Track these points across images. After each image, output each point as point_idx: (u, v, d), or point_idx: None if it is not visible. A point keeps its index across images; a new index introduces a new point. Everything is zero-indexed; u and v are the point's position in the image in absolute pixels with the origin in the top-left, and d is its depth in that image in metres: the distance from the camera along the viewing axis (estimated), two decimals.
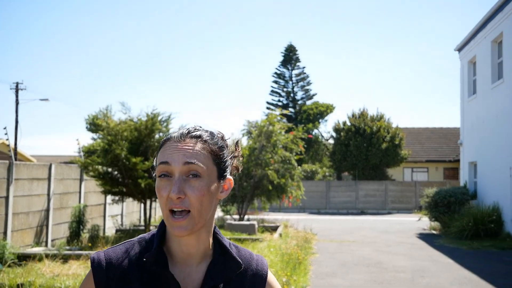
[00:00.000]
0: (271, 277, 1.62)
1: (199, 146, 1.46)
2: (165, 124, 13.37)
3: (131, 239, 1.56)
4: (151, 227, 14.72)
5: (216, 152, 1.49)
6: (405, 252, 13.89)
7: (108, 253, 1.50)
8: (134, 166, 12.09)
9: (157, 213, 20.29)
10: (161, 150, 1.47)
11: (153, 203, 14.40)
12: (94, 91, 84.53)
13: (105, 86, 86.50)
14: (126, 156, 12.06)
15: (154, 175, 1.50)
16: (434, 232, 19.18)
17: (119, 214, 17.13)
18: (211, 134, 1.52)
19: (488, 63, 18.73)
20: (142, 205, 13.72)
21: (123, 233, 14.81)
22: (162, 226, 1.52)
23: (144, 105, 37.76)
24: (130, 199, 14.63)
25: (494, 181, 17.81)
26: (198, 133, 1.49)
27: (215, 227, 1.55)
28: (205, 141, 1.49)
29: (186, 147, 1.44)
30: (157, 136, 13.25)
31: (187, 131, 1.49)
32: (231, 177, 1.54)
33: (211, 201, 1.45)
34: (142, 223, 18.03)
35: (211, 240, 1.54)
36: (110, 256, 1.49)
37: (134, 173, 12.39)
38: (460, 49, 22.44)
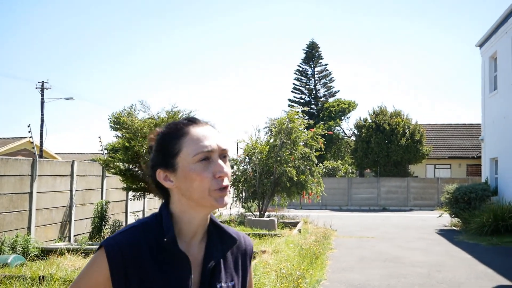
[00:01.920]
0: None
1: (217, 131, 1.68)
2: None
3: (132, 224, 1.66)
4: None
5: (223, 135, 1.69)
6: (424, 248, 13.92)
7: (119, 238, 1.59)
8: None
9: None
10: (190, 138, 1.61)
11: None
12: (117, 90, 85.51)
13: (129, 85, 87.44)
14: (146, 152, 12.29)
15: (157, 163, 1.64)
16: (454, 228, 19.13)
17: (140, 210, 17.41)
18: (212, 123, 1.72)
19: (509, 58, 18.60)
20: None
21: None
22: (165, 210, 1.65)
23: (165, 103, 38.36)
24: (151, 195, 14.86)
25: None
26: (208, 121, 1.70)
27: None
28: (215, 127, 1.70)
29: (214, 132, 1.65)
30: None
31: (200, 119, 1.68)
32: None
33: None
34: None
35: (208, 221, 1.71)
36: (121, 240, 1.58)
37: None
38: (481, 45, 22.30)
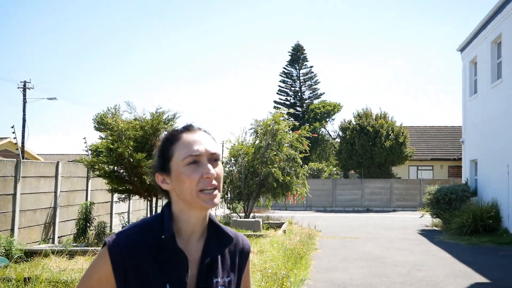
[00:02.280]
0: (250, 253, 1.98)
1: (209, 136, 1.83)
2: (169, 123, 13.68)
3: (135, 223, 1.81)
4: None
5: (215, 141, 1.86)
6: (405, 248, 14.26)
7: (122, 236, 1.74)
8: (139, 163, 12.38)
9: None
10: (181, 143, 1.77)
11: (159, 201, 14.65)
12: (102, 91, 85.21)
13: (113, 86, 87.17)
14: (130, 154, 12.38)
15: (155, 168, 1.82)
16: (435, 228, 19.53)
17: (125, 212, 17.47)
18: (206, 129, 1.88)
19: (488, 63, 19.05)
20: (149, 202, 14.05)
21: None
22: (168, 209, 1.80)
23: (150, 105, 38.39)
24: (137, 197, 14.91)
25: (493, 178, 18.15)
26: (202, 127, 1.86)
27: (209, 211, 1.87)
28: (209, 133, 1.85)
29: (205, 137, 1.81)
30: (162, 134, 13.51)
31: (194, 125, 1.84)
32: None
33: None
34: None
35: (207, 220, 1.84)
36: (123, 237, 1.73)
37: (139, 171, 12.68)
38: (462, 49, 22.75)
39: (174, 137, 1.81)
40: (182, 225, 1.79)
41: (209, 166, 1.73)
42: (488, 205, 17.33)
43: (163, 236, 1.72)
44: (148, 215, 18.51)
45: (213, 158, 1.77)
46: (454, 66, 74.61)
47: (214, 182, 1.73)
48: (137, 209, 18.39)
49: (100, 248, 9.30)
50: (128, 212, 17.67)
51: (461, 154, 24.51)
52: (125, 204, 17.06)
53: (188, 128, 1.83)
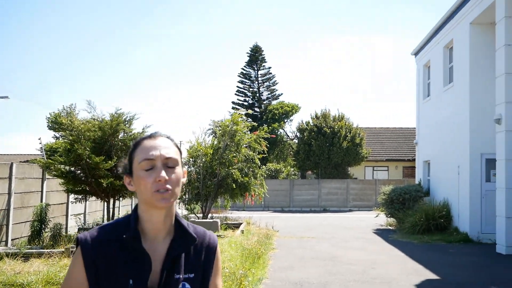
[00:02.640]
0: (218, 249, 2.10)
1: (169, 142, 1.97)
2: (128, 124, 13.65)
3: (109, 222, 1.98)
4: None
5: (178, 147, 2.00)
6: (360, 247, 14.61)
7: (93, 233, 1.90)
8: (97, 165, 12.32)
9: (121, 212, 20.53)
10: (140, 148, 1.93)
11: (117, 202, 14.64)
12: (57, 90, 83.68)
13: (68, 85, 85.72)
14: (89, 156, 12.30)
15: (123, 171, 1.98)
16: (390, 227, 20.03)
17: (81, 213, 17.27)
18: (170, 136, 2.02)
19: (440, 67, 19.66)
20: (105, 204, 13.96)
21: None
22: (135, 210, 1.96)
23: (105, 105, 38.00)
24: (93, 198, 14.75)
25: (444, 178, 18.74)
26: (165, 134, 2.00)
27: (176, 212, 2.01)
28: (171, 139, 2.00)
29: (163, 143, 1.94)
30: (120, 135, 13.48)
31: (157, 133, 1.99)
32: (185, 169, 2.05)
33: (180, 184, 1.93)
34: (106, 221, 18.25)
35: (173, 220, 1.98)
36: (95, 236, 1.89)
37: (97, 172, 12.59)
38: (416, 53, 23.37)
39: (137, 143, 1.97)
40: (146, 225, 1.93)
41: (161, 170, 1.87)
42: (440, 204, 17.91)
43: (124, 236, 1.87)
44: (105, 217, 18.48)
45: (168, 163, 1.90)
46: (409, 69, 76.32)
47: (167, 185, 1.87)
48: (93, 210, 18.21)
49: (56, 250, 9.18)
50: (85, 213, 17.46)
51: (415, 155, 25.15)
52: (82, 205, 16.86)
53: (150, 136, 1.98)
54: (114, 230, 1.93)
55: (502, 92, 13.33)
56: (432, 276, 10.34)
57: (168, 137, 2.00)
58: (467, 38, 16.51)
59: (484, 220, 15.88)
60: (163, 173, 1.87)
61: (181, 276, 1.92)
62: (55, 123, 13.82)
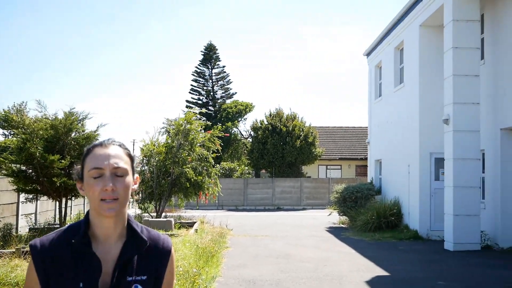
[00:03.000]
0: (173, 253, 2.14)
1: (121, 151, 2.01)
2: (81, 123, 13.47)
3: (62, 227, 2.03)
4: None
5: (130, 155, 2.04)
6: (313, 245, 14.81)
7: (43, 239, 1.96)
8: (51, 164, 12.14)
9: (73, 212, 20.18)
10: (91, 156, 1.97)
11: (69, 202, 14.39)
12: (7, 87, 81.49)
13: (19, 83, 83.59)
14: (42, 155, 12.09)
15: (77, 177, 2.02)
16: (342, 225, 20.34)
17: (33, 213, 16.94)
18: (123, 143, 2.06)
19: (391, 68, 20.09)
20: (58, 203, 13.73)
21: (37, 232, 14.75)
22: (87, 215, 2.00)
23: (59, 103, 37.22)
24: (45, 197, 14.47)
25: (395, 177, 19.18)
26: (117, 142, 2.04)
27: (129, 215, 2.05)
28: (124, 148, 2.04)
29: (113, 152, 1.98)
30: (73, 134, 13.30)
31: (109, 140, 2.03)
32: (137, 175, 2.08)
33: (129, 192, 1.98)
34: (57, 221, 17.91)
35: (125, 225, 2.03)
36: (44, 242, 1.95)
37: (50, 171, 12.41)
38: (368, 54, 23.80)
39: (89, 150, 2.01)
40: (97, 229, 1.98)
41: (109, 179, 1.92)
42: (391, 203, 18.32)
43: (73, 240, 1.93)
44: (57, 216, 18.14)
45: (116, 173, 1.94)
46: (362, 70, 77.58)
47: (114, 195, 1.91)
48: (45, 210, 17.84)
49: (6, 250, 8.97)
50: (36, 213, 17.12)
51: (367, 154, 25.62)
52: (33, 205, 16.55)
53: (101, 143, 2.01)
54: (65, 235, 1.97)
55: (450, 93, 13.73)
56: (382, 272, 10.59)
57: (120, 145, 2.04)
58: (417, 40, 16.93)
59: (433, 217, 16.34)
60: (110, 183, 1.91)
61: (133, 278, 1.96)
62: (4, 121, 13.50)
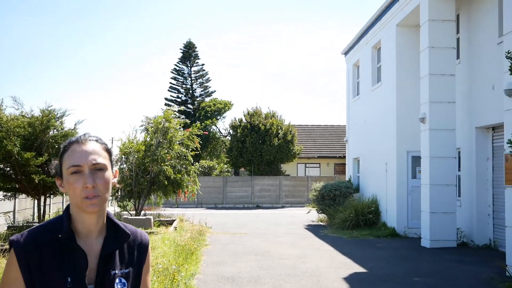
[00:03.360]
0: (149, 248, 2.19)
1: (98, 146, 2.01)
2: (59, 120, 13.40)
3: (42, 223, 2.04)
4: None
5: (107, 149, 2.05)
6: (292, 242, 14.92)
7: (25, 235, 1.94)
8: (28, 161, 12.08)
9: (52, 210, 20.06)
10: (68, 153, 1.97)
11: (48, 199, 14.32)
12: None
13: None
14: (19, 152, 12.03)
15: (55, 173, 2.03)
16: (321, 223, 20.49)
17: (11, 211, 16.81)
18: (99, 138, 2.06)
19: (369, 67, 20.29)
20: (36, 201, 13.67)
21: (16, 230, 14.67)
22: (67, 210, 2.00)
23: (36, 101, 36.96)
24: (24, 195, 14.40)
25: (373, 175, 19.38)
26: (94, 137, 2.04)
27: (107, 211, 2.07)
28: (101, 142, 2.04)
29: (91, 148, 1.98)
30: (51, 132, 13.23)
31: (86, 136, 2.03)
32: (116, 168, 2.11)
33: (110, 187, 2.00)
34: (36, 219, 17.81)
35: (105, 219, 2.05)
36: (27, 237, 1.93)
37: (27, 169, 12.35)
38: (346, 52, 23.98)
39: (66, 147, 2.01)
40: (78, 224, 1.99)
41: (89, 176, 1.92)
42: (369, 200, 18.51)
43: (60, 236, 1.92)
44: (36, 214, 18.01)
45: (96, 168, 1.95)
46: (340, 68, 78.07)
47: (95, 192, 1.92)
48: (23, 208, 17.71)
49: None
50: (14, 211, 16.99)
51: (345, 152, 25.79)
52: (11, 203, 16.44)
53: (78, 140, 2.01)
54: (47, 231, 1.97)
55: (426, 92, 13.93)
56: (359, 269, 10.74)
57: (97, 140, 2.04)
58: (394, 40, 17.12)
59: (410, 215, 16.56)
60: (90, 180, 1.91)
61: (117, 272, 1.99)
62: None
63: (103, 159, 1.98)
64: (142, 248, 2.13)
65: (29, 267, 1.89)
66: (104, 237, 2.03)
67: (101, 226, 2.03)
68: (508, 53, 7.50)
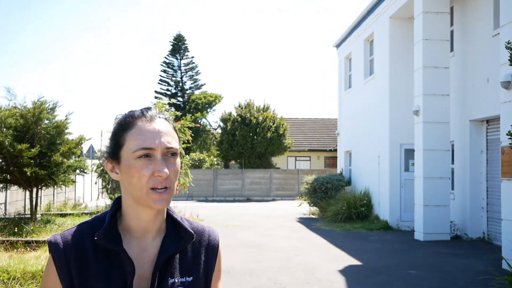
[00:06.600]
0: (221, 249, 1.79)
1: (169, 127, 1.61)
2: (51, 111, 13.27)
3: (86, 220, 1.66)
4: (38, 215, 14.48)
5: (176, 131, 1.64)
6: (284, 235, 14.86)
7: (65, 235, 1.60)
8: (20, 153, 11.96)
9: (43, 202, 19.84)
10: (135, 131, 1.58)
11: (40, 191, 14.15)
12: None
13: None
14: (11, 143, 11.90)
15: (105, 154, 1.65)
16: (313, 216, 20.47)
17: (2, 203, 16.66)
18: (168, 116, 1.66)
19: (361, 60, 20.23)
20: (28, 193, 13.56)
21: (7, 221, 14.49)
22: (115, 205, 1.64)
23: (27, 92, 36.63)
24: (15, 187, 14.29)
25: (365, 168, 19.35)
26: (161, 114, 1.64)
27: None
28: (170, 122, 1.65)
29: (163, 128, 1.59)
30: (43, 123, 13.11)
31: (152, 110, 1.64)
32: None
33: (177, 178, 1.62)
34: (28, 211, 17.63)
35: (165, 215, 1.68)
36: (67, 237, 1.59)
37: (19, 161, 12.24)
38: (338, 45, 23.90)
39: (127, 122, 1.61)
40: (132, 222, 1.63)
41: (163, 163, 1.55)
42: (361, 193, 18.50)
43: (95, 237, 1.58)
44: (27, 206, 17.78)
45: (169, 153, 1.58)
46: (332, 61, 78.07)
47: (166, 181, 1.56)
48: (14, 200, 17.55)
49: None
50: (6, 203, 16.83)
51: (336, 145, 25.77)
52: (2, 194, 16.28)
53: (145, 114, 1.62)
54: (90, 230, 1.62)
55: (420, 85, 13.89)
56: (354, 262, 10.70)
57: (166, 118, 1.65)
58: (387, 32, 17.06)
59: (403, 208, 16.55)
60: (165, 168, 1.54)
61: (176, 280, 1.62)
62: None
63: (176, 142, 1.60)
64: (210, 251, 1.75)
65: (70, 273, 1.56)
66: (162, 237, 1.66)
67: (160, 223, 1.67)
68: (508, 43, 7.42)
